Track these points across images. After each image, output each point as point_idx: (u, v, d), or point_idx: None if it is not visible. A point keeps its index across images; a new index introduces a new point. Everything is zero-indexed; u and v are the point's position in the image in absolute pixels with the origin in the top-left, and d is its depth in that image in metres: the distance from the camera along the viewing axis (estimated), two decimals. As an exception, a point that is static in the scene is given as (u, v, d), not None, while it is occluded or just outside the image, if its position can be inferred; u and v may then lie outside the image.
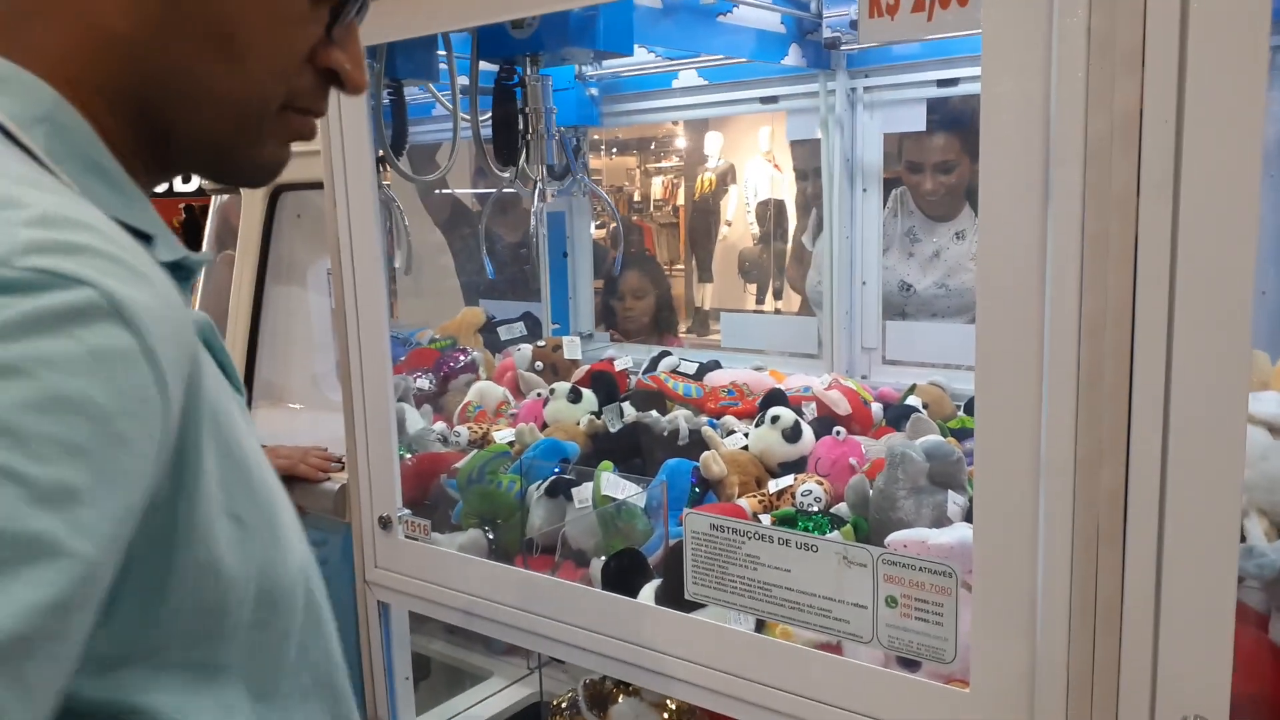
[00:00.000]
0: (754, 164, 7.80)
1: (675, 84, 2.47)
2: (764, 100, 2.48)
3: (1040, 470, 0.83)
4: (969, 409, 2.09)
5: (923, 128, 2.28)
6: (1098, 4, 0.75)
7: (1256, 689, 0.87)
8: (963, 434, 1.88)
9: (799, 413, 1.88)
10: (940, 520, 1.31)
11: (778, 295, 7.85)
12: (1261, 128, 0.72)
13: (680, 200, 9.27)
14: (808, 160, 2.83)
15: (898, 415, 1.96)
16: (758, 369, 2.48)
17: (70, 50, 0.53)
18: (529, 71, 1.88)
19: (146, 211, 0.55)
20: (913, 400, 2.06)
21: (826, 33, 2.14)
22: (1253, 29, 0.71)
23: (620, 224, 3.11)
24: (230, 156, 0.61)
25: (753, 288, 8.02)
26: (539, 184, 1.99)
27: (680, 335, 3.18)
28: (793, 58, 2.13)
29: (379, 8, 0.76)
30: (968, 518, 1.31)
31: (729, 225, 8.17)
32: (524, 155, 2.04)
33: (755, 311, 7.86)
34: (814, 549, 0.98)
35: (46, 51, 0.52)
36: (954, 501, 1.29)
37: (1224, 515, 0.76)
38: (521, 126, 1.94)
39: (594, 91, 2.58)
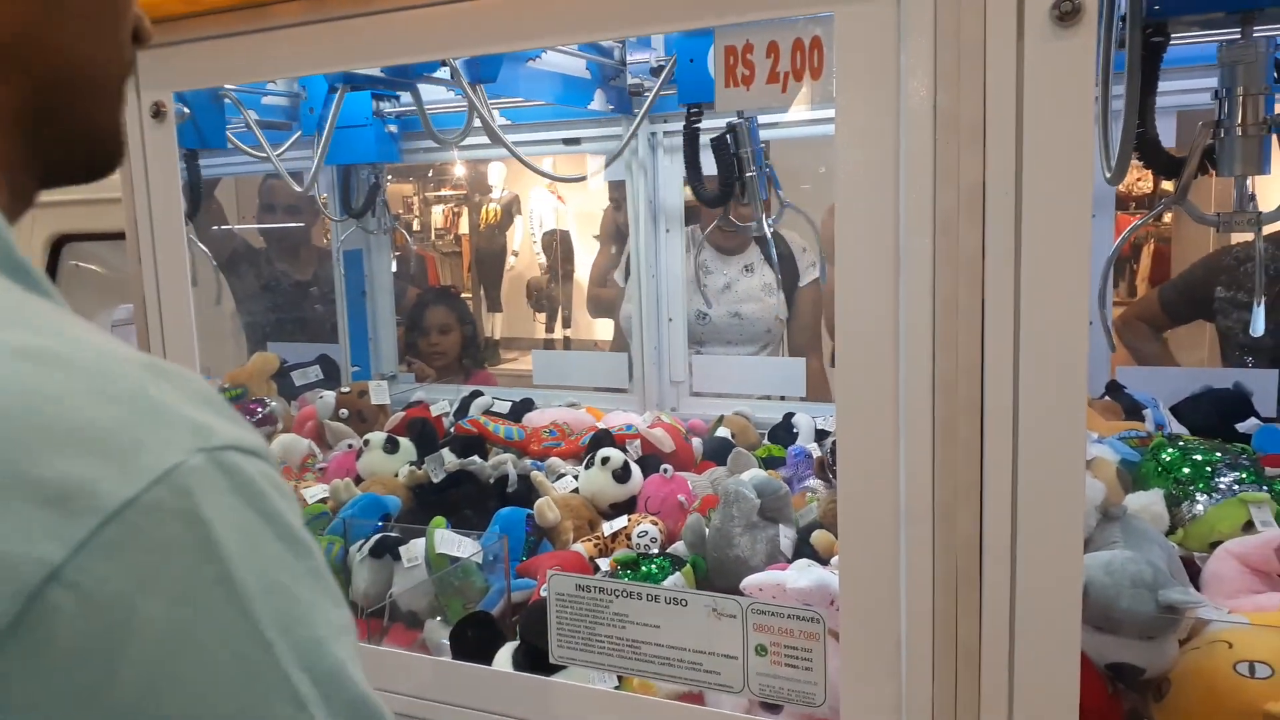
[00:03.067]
0: (538, 194, 7.84)
1: (477, 122, 2.44)
2: (566, 142, 2.50)
3: (901, 518, 0.87)
4: (772, 437, 2.18)
5: (713, 171, 2.38)
6: (943, 82, 0.81)
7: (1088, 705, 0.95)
8: (771, 462, 1.96)
9: (624, 451, 1.89)
10: (774, 554, 1.36)
11: (566, 323, 7.91)
12: (1090, 191, 0.80)
13: (463, 229, 9.17)
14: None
15: (715, 449, 2.02)
16: (572, 405, 2.48)
17: None
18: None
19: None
20: (722, 431, 2.13)
21: (629, 79, 2.18)
22: (1079, 101, 0.78)
23: (415, 261, 3.04)
24: (109, 143, 0.54)
25: (542, 316, 8.05)
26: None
27: (489, 368, 3.13)
28: (597, 102, 2.16)
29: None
30: (798, 552, 1.37)
31: (516, 255, 8.16)
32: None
33: (546, 341, 7.89)
34: (683, 603, 0.99)
35: None
36: (784, 535, 1.34)
37: (1068, 553, 0.83)
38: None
39: (393, 128, 2.51)
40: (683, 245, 2.45)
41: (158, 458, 0.36)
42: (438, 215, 9.54)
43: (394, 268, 2.90)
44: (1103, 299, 1.20)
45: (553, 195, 7.76)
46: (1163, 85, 1.76)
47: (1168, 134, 1.88)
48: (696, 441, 1.99)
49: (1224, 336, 2.22)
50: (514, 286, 8.23)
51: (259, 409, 2.28)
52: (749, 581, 1.10)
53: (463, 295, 8.37)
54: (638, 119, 2.08)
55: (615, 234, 3.22)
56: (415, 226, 9.64)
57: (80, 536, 0.33)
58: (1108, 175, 0.99)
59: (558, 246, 7.72)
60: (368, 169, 2.66)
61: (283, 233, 3.27)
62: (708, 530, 1.38)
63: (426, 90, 2.17)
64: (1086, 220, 0.79)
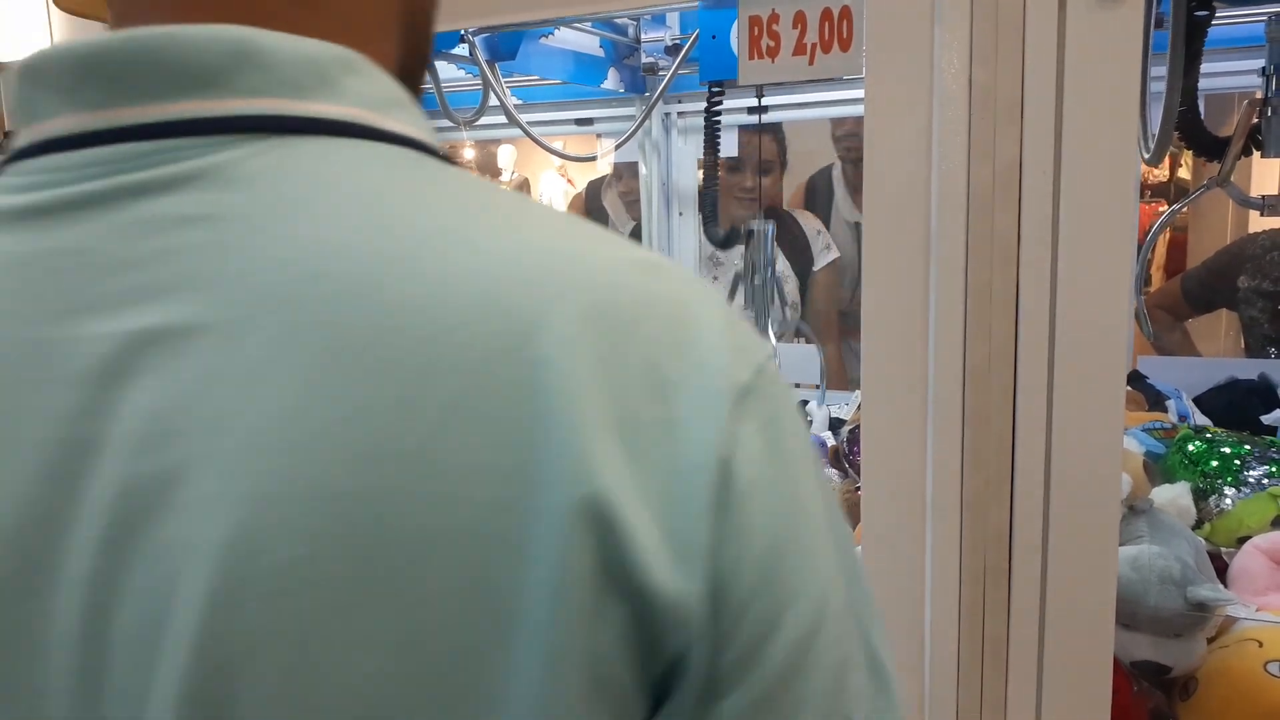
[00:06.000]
0: (549, 177, 7.79)
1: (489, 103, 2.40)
2: (579, 122, 2.46)
3: (927, 511, 0.84)
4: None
5: (735, 153, 2.34)
6: (978, 56, 0.77)
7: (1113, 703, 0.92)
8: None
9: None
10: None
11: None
12: (1135, 172, 0.76)
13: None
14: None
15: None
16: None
17: (388, 43, 0.44)
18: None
19: None
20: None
21: (644, 58, 2.15)
22: (1123, 79, 0.75)
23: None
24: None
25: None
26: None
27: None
28: (611, 82, 2.13)
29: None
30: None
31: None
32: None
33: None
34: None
35: (353, 29, 0.42)
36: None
37: (1103, 551, 0.80)
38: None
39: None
40: (695, 229, 2.42)
41: (759, 350, 0.38)
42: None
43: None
44: (1138, 285, 1.16)
45: (563, 179, 7.71)
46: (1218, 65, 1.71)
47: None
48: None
49: (1247, 327, 2.18)
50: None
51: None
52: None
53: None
54: (654, 97, 2.04)
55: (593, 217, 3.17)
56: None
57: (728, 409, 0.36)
58: (1146, 155, 0.95)
59: (567, 230, 7.66)
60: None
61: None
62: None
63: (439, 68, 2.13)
64: (1130, 204, 0.76)
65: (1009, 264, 0.79)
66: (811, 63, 0.82)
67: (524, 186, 8.06)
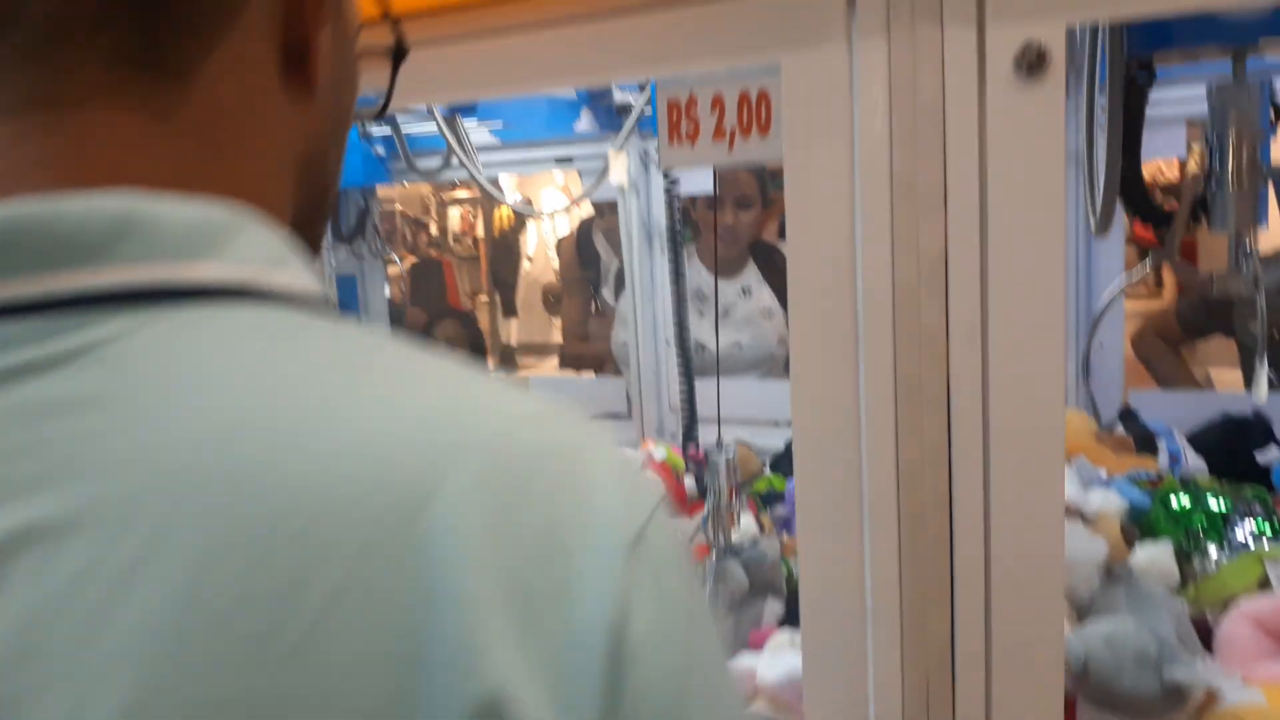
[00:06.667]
0: (549, 195, 7.78)
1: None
2: (559, 160, 2.43)
3: (867, 620, 0.79)
4: (775, 465, 2.10)
5: (711, 190, 2.29)
6: (899, 143, 0.73)
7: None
8: (769, 497, 1.88)
9: (612, 492, 1.81)
10: (756, 627, 1.29)
11: (583, 329, 7.84)
12: (1062, 259, 0.72)
13: (480, 232, 9.11)
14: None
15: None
16: (567, 432, 2.41)
17: (281, 190, 0.44)
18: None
19: None
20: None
21: (617, 96, 2.11)
22: (1047, 161, 0.70)
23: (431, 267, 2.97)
24: (318, 247, 0.54)
25: (559, 321, 7.98)
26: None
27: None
28: (584, 122, 2.09)
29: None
30: (782, 622, 1.29)
31: (530, 261, 8.10)
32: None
33: (561, 346, 7.81)
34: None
35: (244, 185, 0.42)
36: (770, 611, 1.26)
37: (1048, 659, 0.75)
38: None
39: (380, 150, 2.45)
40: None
41: (649, 495, 0.38)
42: (454, 218, 9.49)
43: (404, 280, 2.82)
44: (1087, 367, 1.11)
45: (566, 199, 7.69)
46: (1170, 93, 1.65)
47: (1176, 144, 1.79)
48: (689, 481, 1.92)
49: (1245, 351, 2.12)
50: (530, 291, 8.17)
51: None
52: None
53: (476, 307, 8.34)
54: (622, 138, 2.01)
55: (578, 279, 3.12)
56: (433, 230, 9.61)
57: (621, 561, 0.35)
58: (1092, 224, 0.90)
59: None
60: (356, 192, 2.61)
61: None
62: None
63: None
64: (1058, 292, 0.71)
65: (938, 360, 0.74)
66: (731, 149, 0.78)
67: (528, 205, 8.05)
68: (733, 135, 0.79)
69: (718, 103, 0.78)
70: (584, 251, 3.10)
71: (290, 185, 0.45)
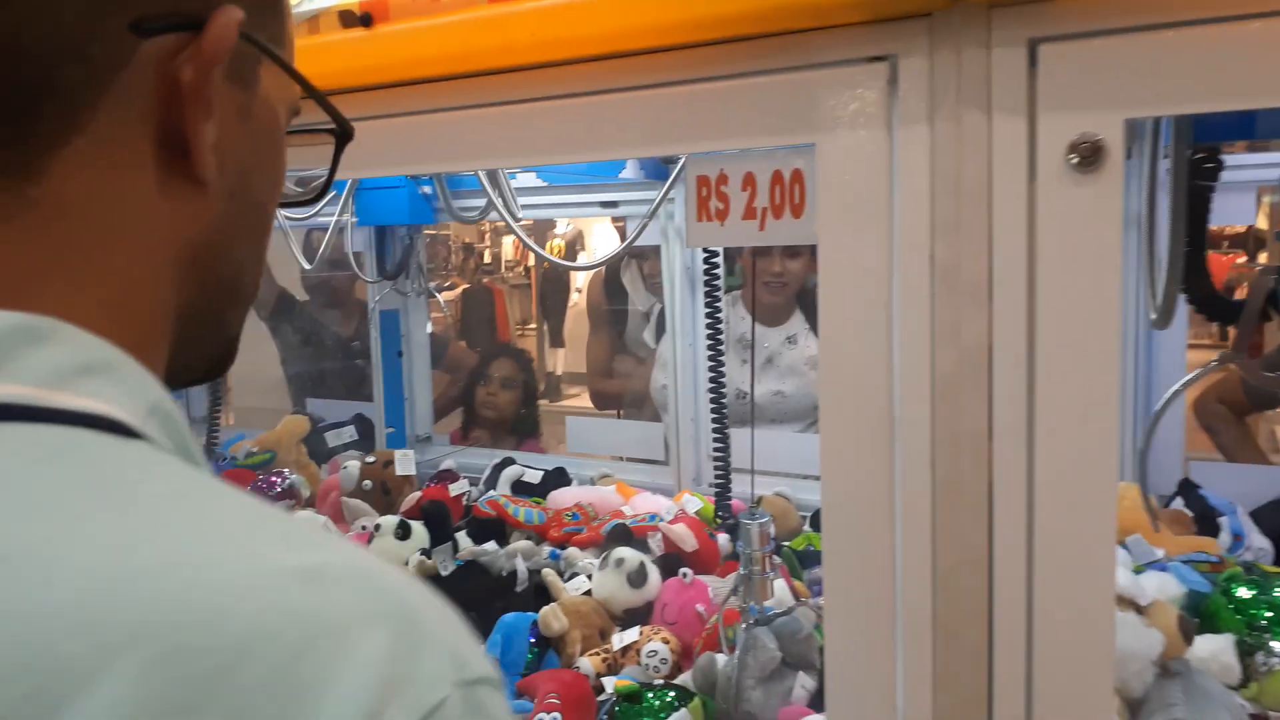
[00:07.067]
0: (601, 229, 7.79)
1: (514, 184, 2.37)
2: (604, 205, 2.41)
3: (896, 732, 0.74)
4: (814, 523, 2.04)
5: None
6: (941, 230, 0.69)
7: None
8: (807, 558, 1.82)
9: (645, 548, 1.78)
10: (786, 705, 1.23)
11: (630, 362, 7.81)
12: (1117, 360, 0.67)
13: (531, 261, 9.15)
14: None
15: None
16: (605, 476, 2.38)
17: (155, 283, 0.42)
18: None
19: None
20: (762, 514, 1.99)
21: (665, 143, 2.09)
22: (1102, 256, 0.66)
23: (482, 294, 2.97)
24: (231, 348, 0.51)
25: (604, 355, 7.97)
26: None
27: (538, 438, 3.02)
28: (630, 170, 2.07)
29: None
30: (812, 700, 1.24)
31: (580, 292, 8.11)
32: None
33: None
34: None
35: (108, 284, 0.40)
36: (802, 685, 1.21)
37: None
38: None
39: (427, 190, 2.46)
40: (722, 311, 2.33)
41: (424, 694, 0.31)
42: (508, 246, 9.55)
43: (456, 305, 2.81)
44: (1143, 458, 1.04)
45: (617, 231, 7.70)
46: (1241, 159, 1.59)
47: (1246, 213, 1.71)
48: (723, 539, 1.86)
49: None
50: (578, 323, 8.18)
51: (279, 482, 2.22)
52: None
53: (528, 326, 8.35)
54: (666, 186, 1.98)
55: (608, 312, 3.08)
56: (486, 258, 9.67)
57: None
58: (1152, 318, 0.85)
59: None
60: (403, 230, 2.61)
61: (325, 286, 3.24)
62: (719, 679, 1.26)
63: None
64: (1113, 393, 0.66)
65: (980, 461, 0.70)
66: (762, 228, 0.75)
67: (578, 239, 8.08)
68: (764, 214, 0.75)
69: (749, 181, 0.75)
70: (612, 291, 3.07)
71: (172, 280, 0.43)
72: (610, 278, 3.08)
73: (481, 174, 1.64)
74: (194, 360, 0.48)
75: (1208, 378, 2.25)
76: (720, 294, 1.65)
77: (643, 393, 2.81)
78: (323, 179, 0.57)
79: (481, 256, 9.66)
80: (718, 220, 0.76)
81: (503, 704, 0.35)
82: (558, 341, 8.23)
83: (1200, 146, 0.77)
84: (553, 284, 8.43)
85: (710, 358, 1.83)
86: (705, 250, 1.90)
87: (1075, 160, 0.62)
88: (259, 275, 0.51)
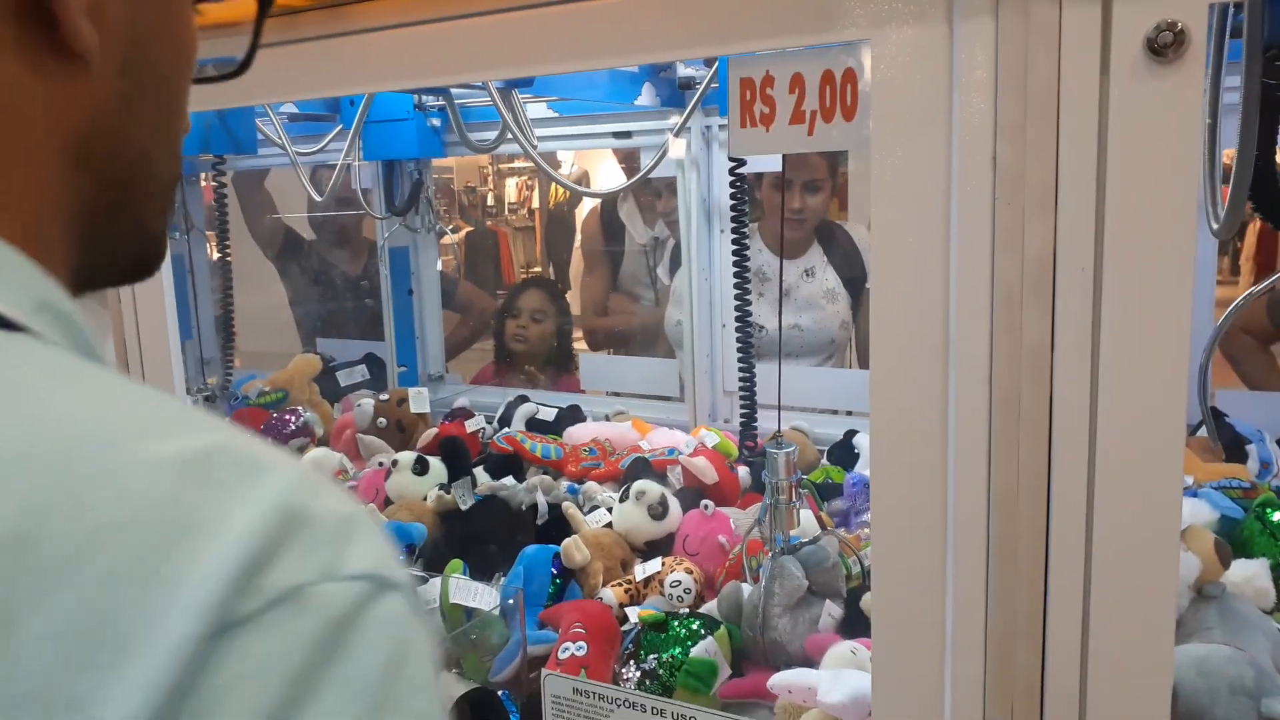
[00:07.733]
0: (607, 168, 7.69)
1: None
2: (617, 135, 2.36)
3: (947, 655, 0.72)
4: (831, 455, 2.03)
5: (779, 167, 2.20)
6: (1005, 132, 0.65)
7: None
8: (827, 490, 1.81)
9: (664, 481, 1.77)
10: (813, 633, 1.22)
11: (636, 303, 7.77)
12: (1192, 271, 0.63)
13: (536, 204, 9.06)
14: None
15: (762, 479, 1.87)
16: (620, 413, 2.36)
17: (37, 175, 0.39)
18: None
19: None
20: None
21: (681, 70, 2.03)
22: (1180, 158, 0.62)
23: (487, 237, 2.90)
24: (153, 246, 0.48)
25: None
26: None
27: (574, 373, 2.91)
28: (646, 97, 2.01)
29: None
30: (840, 628, 1.23)
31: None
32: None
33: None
34: (692, 721, 0.86)
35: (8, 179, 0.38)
36: (829, 614, 1.20)
37: (1150, 710, 0.67)
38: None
39: (435, 122, 2.40)
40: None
41: (280, 580, 0.30)
42: (511, 188, 9.45)
43: (459, 248, 2.74)
44: (1203, 389, 1.02)
45: (624, 173, 7.60)
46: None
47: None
48: (743, 470, 1.85)
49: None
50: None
51: (293, 420, 2.20)
52: (778, 681, 0.97)
53: (532, 269, 8.30)
54: (686, 113, 1.93)
55: (604, 249, 3.00)
56: (489, 201, 9.57)
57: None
58: (1214, 227, 0.81)
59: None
60: (411, 164, 2.56)
61: (333, 225, 3.20)
62: (745, 606, 1.25)
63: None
64: (1186, 306, 0.63)
65: (1041, 376, 0.67)
66: (811, 133, 0.71)
67: (583, 180, 7.99)
68: (813, 118, 0.71)
69: (797, 82, 0.71)
70: (610, 226, 3.01)
71: (59, 174, 0.39)
72: (607, 212, 3.02)
73: (498, 100, 1.59)
74: (111, 260, 0.45)
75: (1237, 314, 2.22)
76: (746, 225, 1.61)
77: (655, 329, 2.77)
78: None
79: (484, 199, 9.56)
80: (763, 126, 0.72)
81: (394, 608, 0.32)
82: (564, 284, 8.20)
83: (1275, 45, 0.72)
84: (558, 225, 8.36)
85: (737, 292, 1.79)
86: (732, 181, 1.86)
87: (1154, 47, 0.58)
88: (176, 163, 0.47)
